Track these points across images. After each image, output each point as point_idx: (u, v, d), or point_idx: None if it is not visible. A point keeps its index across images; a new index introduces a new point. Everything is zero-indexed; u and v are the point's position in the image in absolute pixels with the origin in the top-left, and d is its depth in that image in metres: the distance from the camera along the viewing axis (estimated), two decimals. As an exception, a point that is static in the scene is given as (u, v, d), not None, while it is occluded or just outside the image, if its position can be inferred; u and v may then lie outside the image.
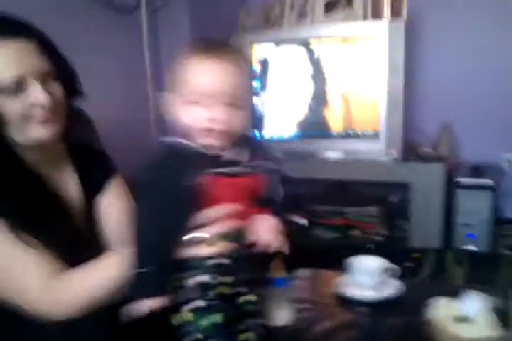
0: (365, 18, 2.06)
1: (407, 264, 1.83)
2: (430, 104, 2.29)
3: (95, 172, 1.06)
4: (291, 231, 0.86)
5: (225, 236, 0.78)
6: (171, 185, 0.73)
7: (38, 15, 1.54)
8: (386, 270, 1.19)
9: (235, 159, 0.79)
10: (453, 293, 1.07)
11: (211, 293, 0.78)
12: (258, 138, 0.83)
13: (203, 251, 0.77)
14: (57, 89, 0.92)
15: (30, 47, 0.87)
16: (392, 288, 1.17)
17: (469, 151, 2.24)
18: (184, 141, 0.78)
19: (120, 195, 1.08)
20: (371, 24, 2.00)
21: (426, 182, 2.02)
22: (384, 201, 2.32)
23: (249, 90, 0.79)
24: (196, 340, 0.78)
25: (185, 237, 0.77)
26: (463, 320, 0.98)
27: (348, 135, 2.11)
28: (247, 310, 0.83)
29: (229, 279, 0.79)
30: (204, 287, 0.78)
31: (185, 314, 0.78)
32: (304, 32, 2.10)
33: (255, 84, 2.08)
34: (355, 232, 2.25)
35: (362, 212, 2.27)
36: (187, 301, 0.78)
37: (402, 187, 2.15)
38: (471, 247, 2.04)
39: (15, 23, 0.89)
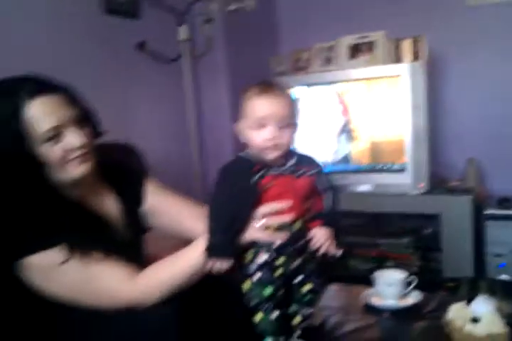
0: (387, 60, 2.22)
1: (442, 294, 1.90)
2: (456, 140, 2.42)
3: (129, 186, 1.22)
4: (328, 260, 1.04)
5: (282, 227, 0.98)
6: (240, 183, 0.96)
7: (93, 66, 1.83)
8: (408, 281, 1.31)
9: (288, 165, 1.00)
10: (467, 299, 1.18)
11: (268, 270, 0.98)
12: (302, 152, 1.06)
13: (266, 236, 0.97)
14: (87, 131, 1.06)
15: (60, 100, 1.01)
16: (412, 297, 1.29)
17: (495, 185, 2.33)
18: (249, 153, 1.01)
19: (162, 189, 1.27)
20: (393, 67, 2.16)
21: (455, 213, 2.10)
22: (416, 232, 2.40)
23: (295, 114, 1.01)
24: (254, 307, 0.99)
25: (252, 223, 0.97)
26: (475, 320, 1.09)
27: (376, 169, 2.24)
28: (302, 296, 1.02)
29: (283, 260, 0.98)
30: (263, 264, 0.98)
31: (247, 283, 1.00)
32: (330, 76, 2.27)
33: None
34: (390, 263, 2.32)
35: (395, 244, 2.35)
36: (250, 273, 0.99)
37: (433, 219, 2.23)
38: (504, 277, 2.08)
39: (43, 81, 1.02)
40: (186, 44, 2.17)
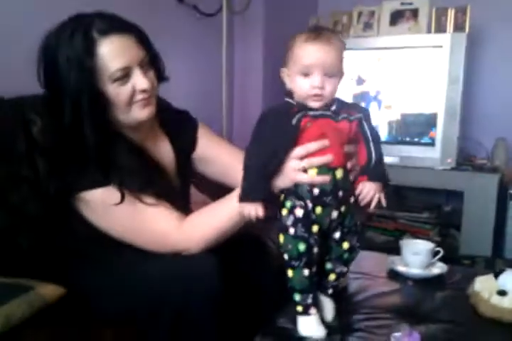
0: (429, 30, 2.17)
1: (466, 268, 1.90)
2: (487, 117, 2.37)
3: (183, 133, 1.23)
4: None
5: (322, 172, 0.94)
6: (278, 123, 0.93)
7: (132, 16, 1.83)
8: (435, 252, 1.31)
9: (329, 109, 0.96)
10: (494, 273, 1.17)
11: (304, 224, 0.94)
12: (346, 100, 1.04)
13: (307, 178, 0.94)
14: (153, 75, 1.06)
15: (130, 40, 1.00)
16: (438, 267, 1.29)
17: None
18: (294, 99, 0.97)
19: (215, 137, 1.28)
20: (434, 36, 2.11)
21: (480, 191, 2.08)
22: (437, 208, 2.40)
23: (342, 63, 0.97)
24: (287, 262, 0.96)
25: (290, 165, 0.94)
26: (503, 293, 1.09)
27: (404, 141, 2.22)
28: (339, 256, 1.01)
29: (321, 211, 0.95)
30: (299, 217, 0.94)
31: (280, 237, 0.97)
32: (369, 41, 2.23)
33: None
34: (408, 237, 2.33)
35: (415, 218, 2.35)
36: (285, 226, 0.95)
37: (456, 196, 2.22)
38: (522, 257, 2.08)
39: (116, 20, 1.02)
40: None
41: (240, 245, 1.15)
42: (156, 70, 1.09)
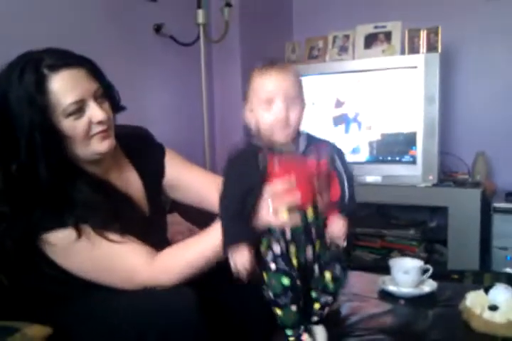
0: (402, 51, 2.22)
1: (456, 284, 1.90)
2: (465, 133, 2.43)
3: (150, 160, 1.20)
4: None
5: (291, 210, 0.93)
6: (246, 168, 0.93)
7: (109, 47, 1.83)
8: (424, 269, 1.32)
9: (296, 147, 0.95)
10: (484, 288, 1.18)
11: (283, 260, 0.94)
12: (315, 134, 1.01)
13: (277, 220, 0.93)
14: (108, 106, 1.04)
15: (81, 73, 0.99)
16: (428, 285, 1.29)
17: (504, 178, 2.34)
18: (257, 138, 0.97)
19: (182, 161, 1.25)
20: (408, 57, 2.16)
21: (463, 206, 2.11)
22: (423, 225, 2.42)
23: (302, 92, 0.97)
24: (273, 299, 0.95)
25: (262, 208, 0.93)
26: (494, 308, 1.09)
27: (386, 160, 2.25)
28: (324, 286, 0.99)
29: (296, 249, 0.95)
30: (278, 254, 0.94)
31: (264, 275, 0.96)
32: (345, 65, 2.28)
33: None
34: (395, 255, 2.34)
35: (401, 235, 2.37)
36: (266, 264, 0.95)
37: (440, 212, 2.25)
38: (509, 270, 2.09)
39: (65, 54, 1.00)
40: (203, 28, 2.16)
41: (225, 273, 1.13)
42: (110, 101, 1.08)
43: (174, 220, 1.63)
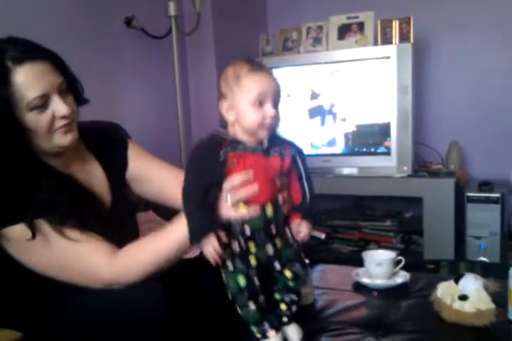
0: (375, 42, 2.21)
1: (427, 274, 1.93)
2: (439, 123, 2.45)
3: (113, 153, 1.18)
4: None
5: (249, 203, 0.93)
6: (208, 161, 0.93)
7: (80, 40, 1.80)
8: (396, 261, 1.32)
9: (260, 144, 0.95)
10: (454, 278, 1.19)
11: (241, 259, 0.94)
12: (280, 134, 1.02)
13: (236, 213, 0.92)
14: (72, 99, 1.04)
15: (46, 66, 0.98)
16: (401, 276, 1.30)
17: (478, 168, 2.38)
18: (224, 132, 0.97)
19: (145, 154, 1.23)
20: (381, 48, 2.16)
21: (437, 196, 2.13)
22: (398, 215, 2.44)
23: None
24: (231, 297, 0.95)
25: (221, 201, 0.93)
26: (464, 297, 1.11)
27: (362, 152, 2.26)
28: (284, 284, 0.99)
29: (256, 247, 0.94)
30: (236, 253, 0.94)
31: (223, 274, 0.96)
32: (320, 57, 2.28)
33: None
34: (372, 246, 2.36)
35: (377, 227, 2.38)
36: (223, 261, 0.94)
37: (415, 202, 2.27)
38: (483, 259, 2.13)
39: (30, 46, 0.99)
40: (175, 20, 2.12)
41: (198, 268, 1.12)
42: (74, 94, 1.07)
43: (149, 218, 1.62)
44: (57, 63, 1.02)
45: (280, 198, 0.96)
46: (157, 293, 0.96)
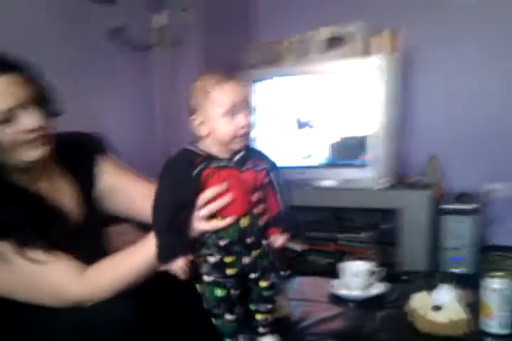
0: (362, 54, 2.21)
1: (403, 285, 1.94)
2: (418, 136, 2.49)
3: (83, 167, 1.15)
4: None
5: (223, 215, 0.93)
6: (181, 176, 0.92)
7: (63, 51, 1.77)
8: (372, 272, 1.34)
9: (234, 158, 0.96)
10: (428, 289, 1.21)
11: (218, 270, 0.94)
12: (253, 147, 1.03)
13: (209, 226, 0.93)
14: (43, 112, 1.00)
15: (15, 79, 0.95)
16: (377, 287, 1.32)
17: (457, 180, 2.41)
18: (197, 145, 0.97)
19: (118, 167, 1.20)
20: (366, 60, 2.15)
21: (413, 208, 2.14)
22: (375, 227, 2.46)
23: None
24: (208, 309, 0.95)
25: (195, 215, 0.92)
26: (438, 308, 1.12)
27: (341, 164, 2.27)
28: (259, 294, 0.99)
29: (232, 258, 0.94)
30: (212, 264, 0.94)
31: (198, 286, 0.96)
32: (305, 69, 2.27)
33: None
34: (348, 258, 2.36)
35: (354, 238, 2.39)
36: (200, 275, 0.94)
37: (393, 214, 2.29)
38: (458, 270, 2.16)
39: (2, 59, 0.96)
40: (161, 32, 2.12)
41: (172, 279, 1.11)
42: (47, 106, 1.03)
43: (122, 230, 1.60)
44: (27, 75, 0.99)
45: (255, 211, 0.96)
46: (127, 307, 0.94)
